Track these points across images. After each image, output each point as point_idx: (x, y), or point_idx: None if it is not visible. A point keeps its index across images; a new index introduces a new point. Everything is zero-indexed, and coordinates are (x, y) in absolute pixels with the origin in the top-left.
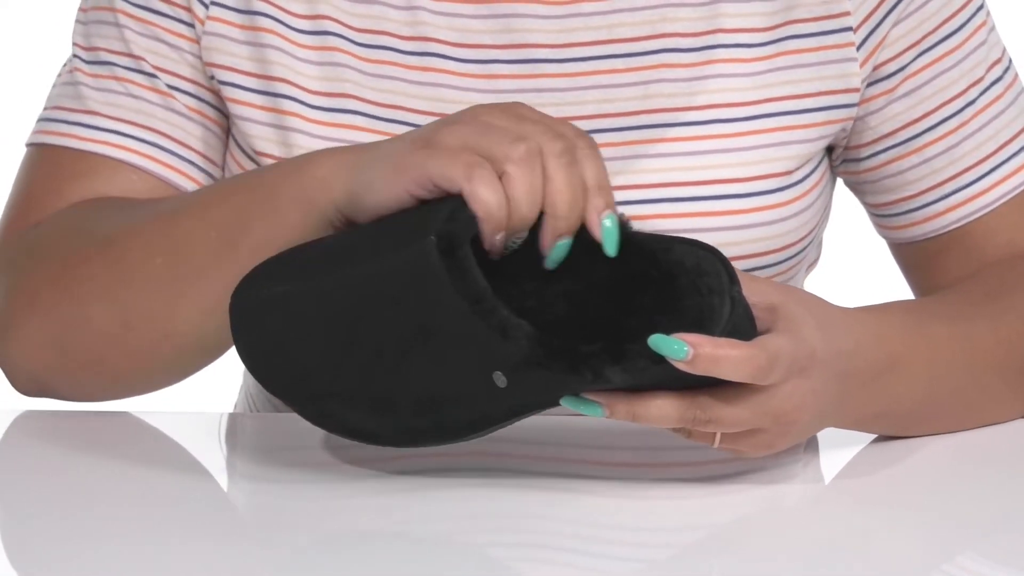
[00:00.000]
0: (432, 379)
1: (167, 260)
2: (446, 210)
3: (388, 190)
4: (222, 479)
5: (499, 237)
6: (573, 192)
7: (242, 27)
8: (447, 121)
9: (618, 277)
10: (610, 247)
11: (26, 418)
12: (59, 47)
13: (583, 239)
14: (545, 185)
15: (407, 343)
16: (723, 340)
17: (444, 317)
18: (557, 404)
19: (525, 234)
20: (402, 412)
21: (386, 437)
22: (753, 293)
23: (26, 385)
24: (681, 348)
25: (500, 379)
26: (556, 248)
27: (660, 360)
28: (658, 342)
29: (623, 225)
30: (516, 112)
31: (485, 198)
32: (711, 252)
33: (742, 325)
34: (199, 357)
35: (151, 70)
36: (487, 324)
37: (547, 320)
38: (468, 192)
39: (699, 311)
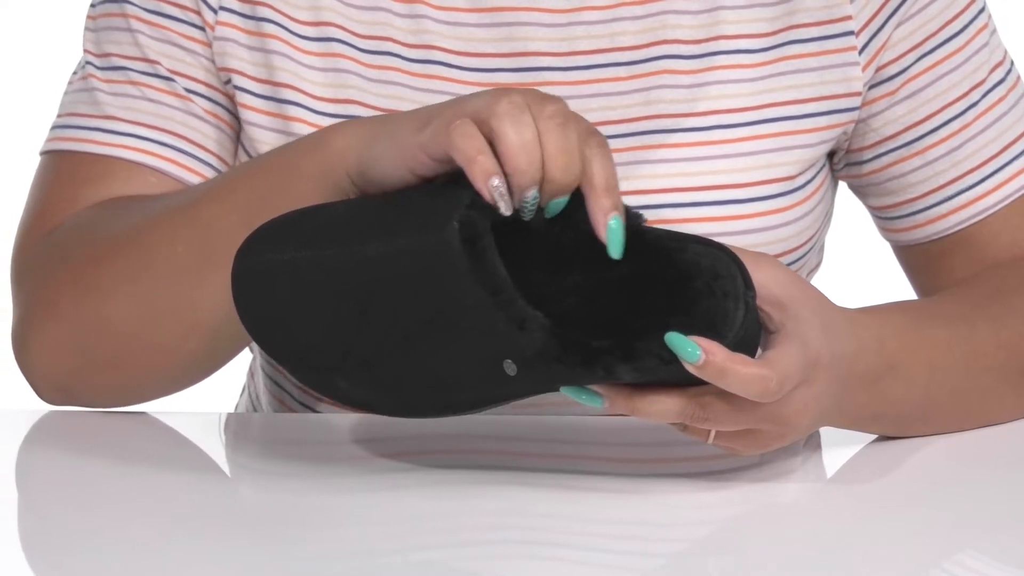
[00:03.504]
0: (441, 362)
1: (189, 248)
2: (468, 195)
3: (392, 169)
4: (225, 478)
5: (495, 183)
6: (568, 155)
7: (249, 32)
8: (449, 101)
9: (631, 273)
10: (614, 250)
11: (30, 417)
12: (59, 48)
13: (593, 233)
14: (541, 151)
15: (419, 325)
16: (737, 356)
17: (460, 304)
18: (557, 390)
19: (535, 194)
20: (406, 390)
21: (385, 409)
22: (762, 285)
23: (50, 393)
24: (694, 352)
25: (510, 368)
26: (552, 205)
27: (670, 361)
28: (673, 340)
29: (637, 220)
30: (515, 88)
31: (461, 146)
32: (725, 253)
33: (752, 330)
34: (224, 348)
35: (167, 73)
36: (505, 315)
37: (558, 312)
38: (448, 145)
39: (713, 315)
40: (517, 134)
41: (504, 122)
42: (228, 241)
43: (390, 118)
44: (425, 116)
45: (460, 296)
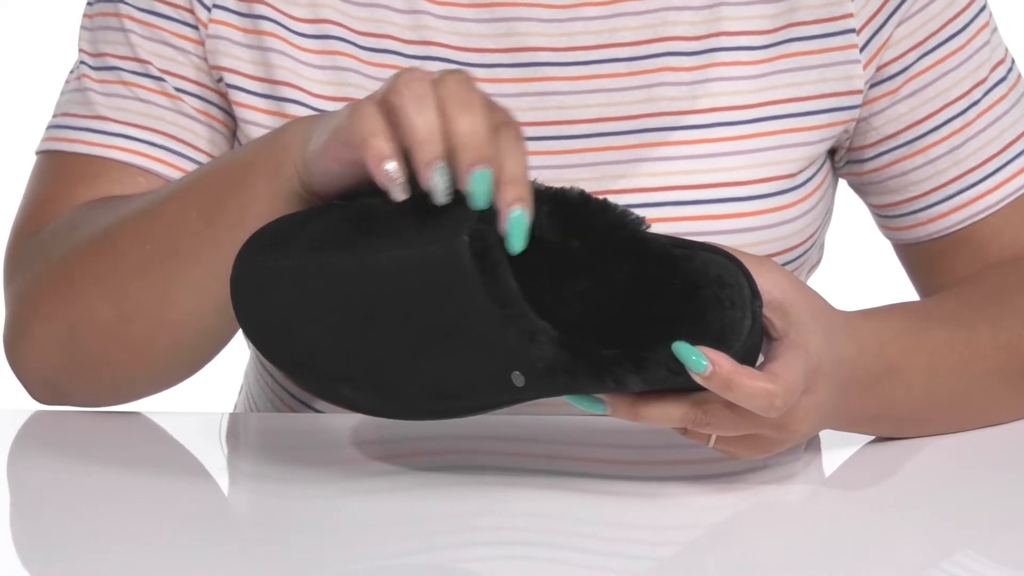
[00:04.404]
0: (447, 371)
1: (155, 246)
2: None
3: (321, 164)
4: (222, 479)
5: (388, 167)
6: (472, 120)
7: (244, 30)
8: None
9: (636, 279)
10: (515, 242)
11: (23, 417)
12: (59, 48)
13: (598, 239)
14: (445, 124)
15: (425, 335)
16: (743, 368)
17: (470, 316)
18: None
19: (443, 170)
20: (409, 396)
21: (387, 413)
22: (765, 291)
23: (41, 392)
24: (700, 361)
25: (518, 379)
26: (475, 184)
27: (679, 372)
28: (681, 350)
29: (640, 225)
30: (419, 68)
31: (357, 127)
32: (732, 261)
33: (757, 339)
34: (200, 345)
35: (158, 73)
36: (515, 328)
37: (563, 318)
38: (348, 132)
39: (721, 325)
40: (415, 107)
41: (402, 97)
42: (189, 239)
43: (331, 112)
44: (347, 105)
45: (470, 309)
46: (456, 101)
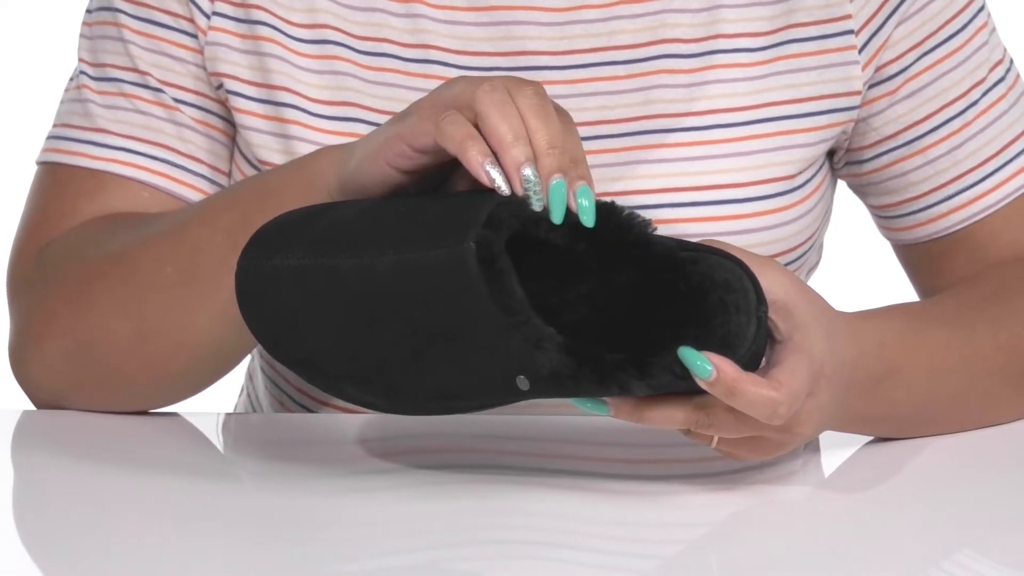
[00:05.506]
0: (450, 374)
1: (177, 268)
2: (483, 211)
3: (371, 168)
4: (222, 479)
5: (487, 165)
6: (550, 130)
7: (243, 36)
8: (426, 95)
9: (642, 282)
10: (588, 220)
11: (29, 417)
12: (60, 51)
13: (606, 241)
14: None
15: (430, 339)
16: (747, 374)
17: (475, 322)
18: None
19: (533, 173)
20: (412, 396)
21: (390, 410)
22: (768, 291)
23: (46, 402)
24: (705, 367)
25: (523, 383)
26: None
27: (683, 376)
28: (686, 355)
29: (646, 228)
30: (490, 76)
31: (451, 133)
32: (738, 265)
33: (761, 343)
34: (215, 366)
35: (157, 85)
36: (520, 335)
37: (568, 321)
38: (437, 135)
39: (726, 330)
40: (500, 113)
41: (485, 104)
42: (214, 263)
43: (374, 131)
44: (402, 113)
45: (475, 315)
46: (534, 110)
